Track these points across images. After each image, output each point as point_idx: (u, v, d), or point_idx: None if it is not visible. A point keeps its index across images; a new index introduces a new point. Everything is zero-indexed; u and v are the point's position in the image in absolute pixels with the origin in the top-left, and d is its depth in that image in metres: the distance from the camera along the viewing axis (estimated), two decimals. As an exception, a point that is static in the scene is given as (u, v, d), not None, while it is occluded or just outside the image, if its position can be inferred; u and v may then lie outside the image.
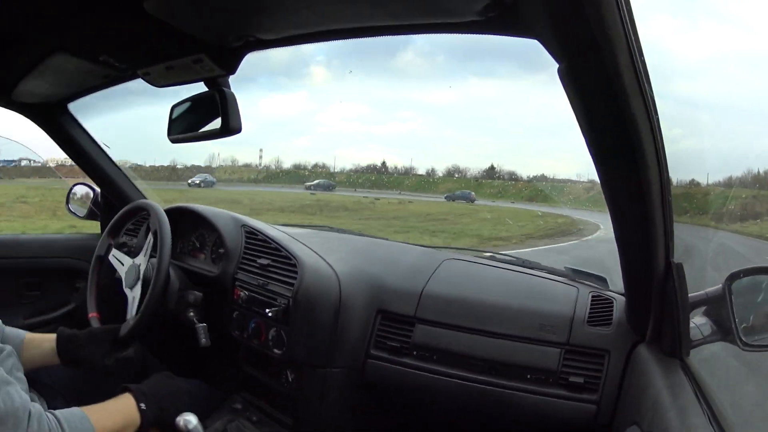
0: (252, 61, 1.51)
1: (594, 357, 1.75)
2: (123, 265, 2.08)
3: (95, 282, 2.19)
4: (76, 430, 1.35)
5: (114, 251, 2.14)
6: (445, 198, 25.55)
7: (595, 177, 1.19)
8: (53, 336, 1.78)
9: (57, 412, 1.35)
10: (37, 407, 1.30)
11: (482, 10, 1.01)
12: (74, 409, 1.40)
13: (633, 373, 1.60)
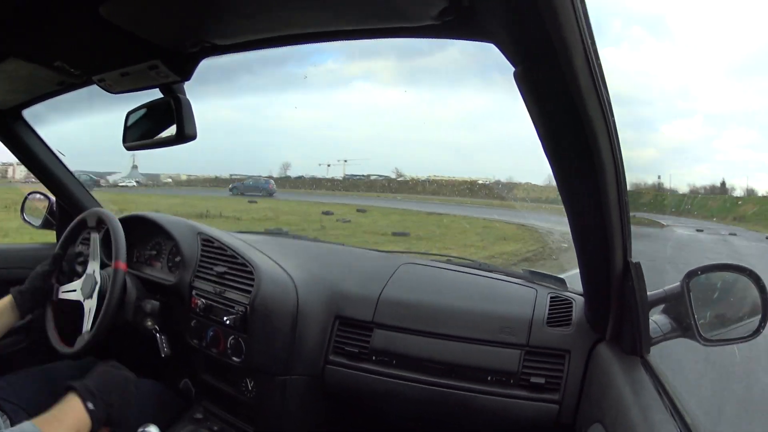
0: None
1: (554, 357, 1.76)
2: (75, 291, 2.02)
3: (53, 316, 2.11)
4: None
5: (61, 289, 2.07)
6: (230, 190, 24.51)
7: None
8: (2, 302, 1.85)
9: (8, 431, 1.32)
10: None
11: (438, 14, 1.01)
12: (25, 425, 1.34)
13: (594, 372, 1.61)
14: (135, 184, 22.49)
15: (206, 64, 1.51)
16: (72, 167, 2.60)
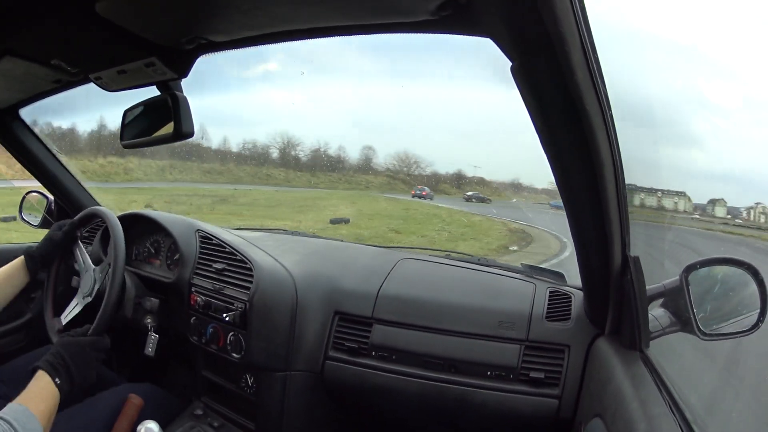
0: None
1: (554, 352, 1.77)
2: (76, 305, 2.03)
3: (54, 274, 2.14)
4: (27, 429, 1.38)
5: (62, 319, 2.06)
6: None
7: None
8: (13, 264, 1.95)
9: (4, 415, 1.38)
10: None
11: (436, 9, 1.01)
12: (15, 406, 1.44)
13: (594, 366, 1.62)
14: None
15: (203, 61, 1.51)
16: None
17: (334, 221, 13.68)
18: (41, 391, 1.54)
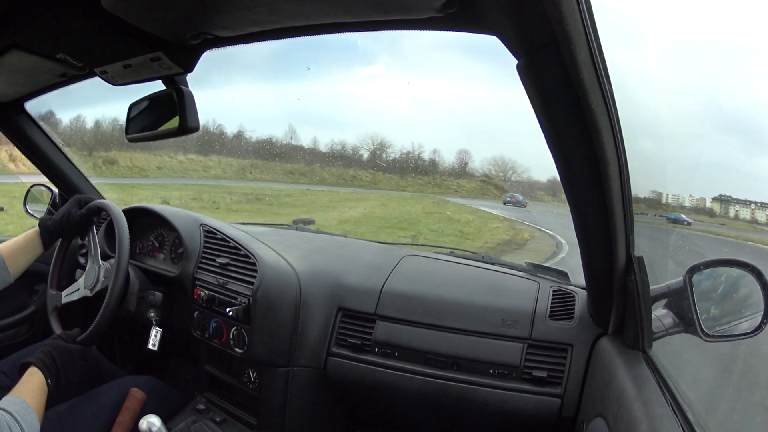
0: None
1: (557, 351, 1.77)
2: (77, 290, 2.05)
3: (65, 249, 2.17)
4: (26, 421, 1.42)
5: (63, 295, 2.09)
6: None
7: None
8: (28, 234, 1.96)
9: (5, 407, 1.42)
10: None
11: (441, 6, 1.00)
12: (14, 398, 1.48)
13: (596, 366, 1.61)
14: None
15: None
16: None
17: (296, 222, 13.67)
18: (35, 387, 1.58)
